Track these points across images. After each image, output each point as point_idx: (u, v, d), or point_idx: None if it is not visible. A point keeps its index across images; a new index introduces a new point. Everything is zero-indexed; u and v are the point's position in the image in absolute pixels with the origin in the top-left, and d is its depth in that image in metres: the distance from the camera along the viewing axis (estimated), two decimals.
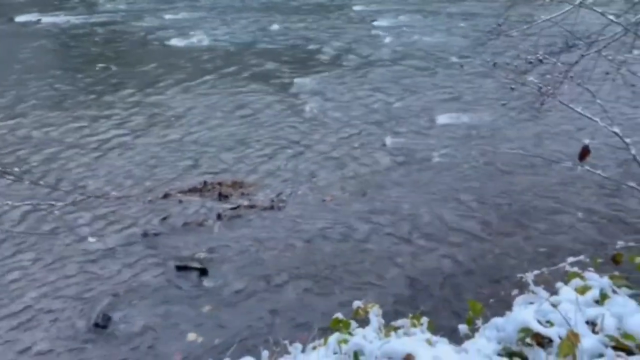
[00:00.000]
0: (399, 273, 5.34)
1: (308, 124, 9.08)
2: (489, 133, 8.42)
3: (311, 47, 13.49)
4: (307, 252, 5.72)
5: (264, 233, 6.08)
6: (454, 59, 11.84)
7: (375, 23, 15.50)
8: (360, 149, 8.14)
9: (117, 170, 7.58)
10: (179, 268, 5.48)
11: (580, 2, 4.03)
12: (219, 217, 6.36)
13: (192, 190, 6.96)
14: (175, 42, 14.47)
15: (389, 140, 8.36)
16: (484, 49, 7.53)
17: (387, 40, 13.79)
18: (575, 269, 2.21)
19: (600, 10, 3.99)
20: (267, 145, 8.29)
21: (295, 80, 11.16)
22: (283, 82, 11.15)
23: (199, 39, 14.60)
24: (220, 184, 7.09)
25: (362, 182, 7.22)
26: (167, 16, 17.27)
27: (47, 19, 17.40)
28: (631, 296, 2.13)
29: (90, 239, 6.00)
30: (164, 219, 6.37)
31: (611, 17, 3.97)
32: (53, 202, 6.03)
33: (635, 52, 3.96)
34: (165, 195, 6.86)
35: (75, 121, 9.43)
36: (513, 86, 6.61)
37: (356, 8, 17.30)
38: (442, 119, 9.08)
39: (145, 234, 6.07)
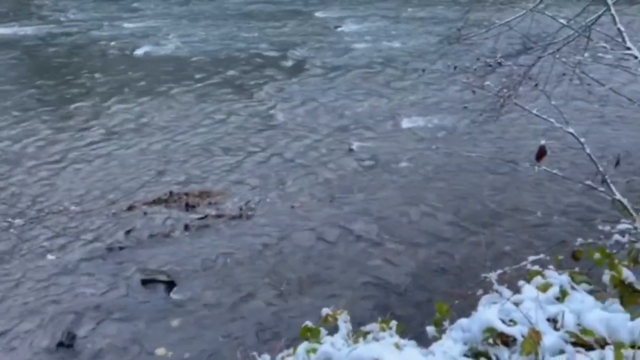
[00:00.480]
0: (369, 277, 5.36)
1: (275, 130, 9.06)
2: (452, 135, 8.57)
3: (277, 53, 13.49)
4: (277, 260, 5.68)
5: (232, 242, 6.02)
6: (417, 64, 12.01)
7: (340, 29, 15.61)
8: (328, 154, 8.16)
9: (79, 184, 7.38)
10: (146, 282, 5.36)
11: (533, 7, 4.15)
12: (186, 227, 6.26)
13: (158, 201, 6.83)
14: (138, 51, 14.25)
15: (355, 145, 8.41)
16: (445, 53, 7.67)
17: (352, 46, 13.91)
18: (537, 267, 2.26)
19: (551, 15, 4.12)
20: (234, 153, 8.22)
21: (262, 87, 11.13)
22: (249, 89, 11.10)
23: (163, 47, 14.41)
24: (186, 194, 6.98)
25: (330, 187, 7.23)
26: (130, 25, 16.99)
27: (2, 30, 16.88)
28: (590, 292, 2.18)
29: (51, 257, 5.81)
30: (129, 232, 6.23)
31: (562, 20, 4.10)
32: (10, 220, 5.82)
33: (588, 54, 4.10)
34: (130, 208, 6.71)
35: (33, 134, 9.15)
36: (474, 89, 6.74)
37: (320, 15, 17.40)
38: (407, 122, 9.20)
39: (109, 249, 5.92)
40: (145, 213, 6.59)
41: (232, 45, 14.27)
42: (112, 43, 15.05)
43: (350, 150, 8.27)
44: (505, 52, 5.86)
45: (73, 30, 16.85)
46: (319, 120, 9.45)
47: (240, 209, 6.65)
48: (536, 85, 5.01)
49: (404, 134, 8.81)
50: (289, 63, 12.80)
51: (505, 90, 5.22)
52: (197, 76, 12.01)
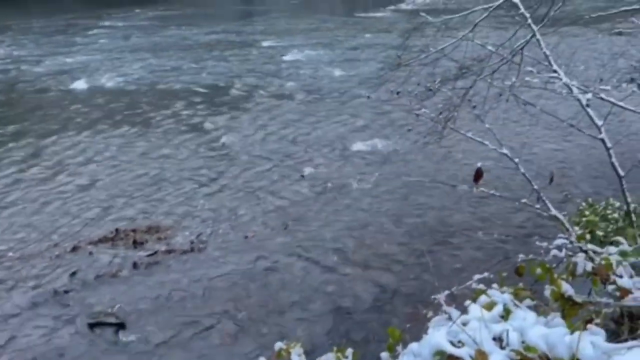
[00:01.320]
0: (326, 304, 5.33)
1: (225, 160, 8.98)
2: (398, 158, 8.79)
3: (223, 84, 13.48)
4: (232, 294, 5.57)
5: (185, 278, 5.86)
6: (361, 90, 12.31)
7: (285, 58, 15.81)
8: (279, 182, 8.15)
9: (18, 227, 7.02)
10: (93, 325, 5.12)
11: (463, 36, 4.36)
12: (134, 266, 6.05)
13: (104, 240, 6.59)
14: (79, 86, 13.88)
15: (306, 171, 8.46)
16: (387, 79, 7.89)
17: (298, 73, 14.10)
18: (482, 285, 2.32)
19: (480, 43, 4.34)
20: (183, 185, 8.08)
21: (209, 117, 11.06)
22: (196, 120, 10.99)
23: (104, 81, 14.10)
24: (134, 230, 6.77)
25: (283, 214, 7.20)
26: (70, 60, 16.57)
27: None
28: (534, 307, 2.26)
29: None
30: (74, 274, 5.95)
31: (490, 47, 4.32)
32: None
33: (519, 77, 4.33)
34: (74, 248, 6.43)
35: None
36: (417, 112, 6.94)
37: (265, 44, 17.57)
38: (355, 146, 9.36)
39: (53, 293, 5.62)
40: (90, 253, 6.33)
41: (177, 77, 14.14)
42: (52, 79, 14.60)
43: (302, 176, 8.30)
44: (444, 77, 6.09)
45: (9, 67, 16.25)
46: (268, 147, 9.46)
47: (192, 242, 6.51)
48: (474, 107, 5.22)
49: (353, 158, 8.94)
50: (236, 93, 12.81)
51: (445, 114, 5.41)
52: (141, 109, 11.80)
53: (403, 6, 20.55)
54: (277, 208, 7.37)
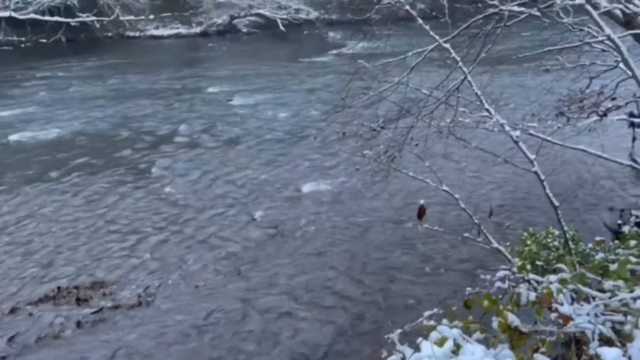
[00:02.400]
0: (283, 353, 5.22)
1: (171, 208, 8.79)
2: (347, 197, 8.91)
3: (168, 130, 13.32)
4: (183, 348, 5.36)
5: (132, 334, 5.60)
6: (308, 131, 12.49)
7: (231, 102, 15.88)
8: (230, 227, 8.05)
9: None
10: None
11: (399, 80, 4.57)
12: (78, 325, 5.74)
13: (45, 299, 6.23)
14: (16, 138, 13.33)
15: (257, 214, 8.41)
16: (333, 120, 8.09)
17: (244, 117, 14.17)
18: (433, 321, 2.35)
19: (417, 86, 4.57)
20: (128, 236, 7.82)
21: (154, 165, 10.85)
22: (141, 169, 10.76)
23: (43, 133, 13.62)
24: (77, 287, 6.45)
25: (235, 260, 7.09)
26: (5, 113, 15.95)
27: None
28: (484, 339, 2.31)
29: None
30: (13, 337, 5.57)
31: (425, 90, 4.55)
32: None
33: (455, 116, 4.57)
34: (13, 310, 6.04)
35: None
36: (362, 152, 7.11)
37: (211, 90, 17.60)
38: (305, 187, 9.43)
39: None
40: (30, 314, 5.96)
41: (119, 126, 13.85)
42: None
43: (253, 220, 8.24)
44: (386, 118, 6.31)
45: None
46: (217, 192, 9.36)
47: (139, 296, 6.26)
48: (416, 145, 5.41)
49: (304, 199, 8.98)
50: (182, 139, 12.68)
51: (389, 153, 5.58)
52: (83, 159, 11.43)
53: (344, 51, 21.26)
54: (228, 254, 7.25)
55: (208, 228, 8.03)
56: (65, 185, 10.05)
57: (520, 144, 3.40)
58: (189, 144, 12.22)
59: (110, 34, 26.38)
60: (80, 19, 23.36)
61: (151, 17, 25.11)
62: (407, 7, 4.56)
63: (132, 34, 27.20)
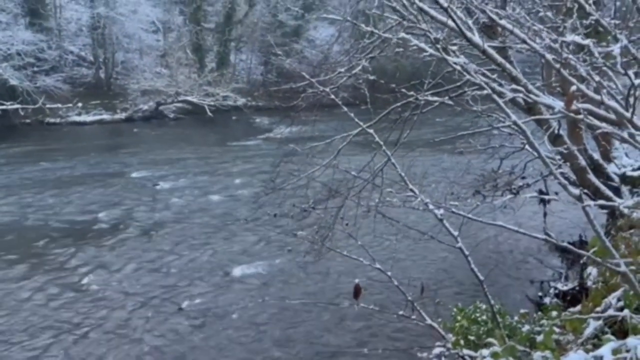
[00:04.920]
0: None
1: (90, 302, 8.17)
2: (280, 280, 8.75)
3: (87, 218, 12.65)
4: None
5: None
6: (238, 214, 12.37)
7: (158, 187, 15.51)
8: (154, 319, 7.56)
9: None
10: None
11: (326, 163, 4.75)
12: None
13: None
14: None
15: (184, 303, 8.01)
16: (264, 202, 8.12)
17: (172, 202, 13.84)
18: None
19: (343, 169, 4.76)
20: (41, 335, 7.11)
21: (72, 256, 10.16)
22: (58, 261, 10.01)
23: None
24: None
25: (160, 354, 6.61)
26: None
27: None
28: None
29: None
30: None
31: (353, 172, 4.74)
32: None
33: (382, 196, 4.77)
34: None
35: None
36: (294, 233, 7.14)
37: (135, 175, 17.17)
38: (236, 271, 9.17)
39: None
40: None
41: (36, 215, 13.00)
42: None
43: (180, 309, 7.83)
44: (316, 199, 6.44)
45: None
46: (141, 282, 8.86)
47: None
48: (346, 225, 5.51)
49: (234, 284, 8.70)
50: (104, 226, 12.08)
51: (321, 232, 5.63)
52: None
53: (272, 135, 21.76)
54: (152, 349, 6.77)
55: (130, 321, 7.50)
56: None
57: (444, 221, 3.56)
58: (110, 232, 11.64)
59: (28, 120, 25.49)
60: (2, 107, 22.43)
61: (79, 104, 24.66)
62: (332, 95, 4.82)
63: (52, 120, 26.42)
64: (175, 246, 10.54)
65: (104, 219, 12.51)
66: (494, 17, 3.74)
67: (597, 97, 3.24)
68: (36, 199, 14.35)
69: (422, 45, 4.05)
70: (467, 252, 3.52)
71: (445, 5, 3.43)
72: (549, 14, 4.30)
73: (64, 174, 17.32)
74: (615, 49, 2.86)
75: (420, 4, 4.05)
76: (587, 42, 3.17)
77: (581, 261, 7.08)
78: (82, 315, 7.69)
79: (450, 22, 3.79)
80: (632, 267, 4.21)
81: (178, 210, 13.07)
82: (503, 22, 3.78)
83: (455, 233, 3.56)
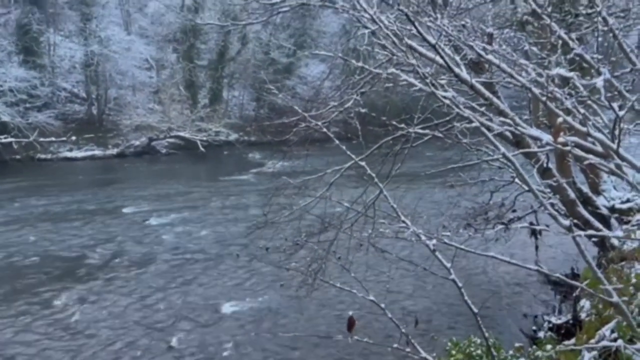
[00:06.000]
0: None
1: (78, 340, 7.98)
2: (273, 314, 8.62)
3: (77, 254, 12.48)
4: None
5: None
6: (230, 249, 12.27)
7: (148, 222, 15.39)
8: (144, 357, 7.39)
9: None
10: None
11: (320, 195, 4.78)
12: None
13: None
14: None
15: (174, 341, 7.84)
16: (255, 236, 8.08)
17: (162, 238, 13.71)
18: None
19: (337, 200, 4.78)
20: None
21: (61, 292, 9.97)
22: (47, 298, 9.81)
23: None
24: None
25: None
26: None
27: None
28: None
29: None
30: None
31: (346, 204, 4.76)
32: None
33: (374, 228, 4.78)
34: None
35: None
36: (287, 267, 7.08)
37: (127, 211, 17.04)
38: (227, 307, 9.03)
39: None
40: None
41: (27, 252, 12.78)
42: None
43: (170, 347, 7.66)
44: (309, 232, 6.42)
45: None
46: (131, 319, 8.69)
47: None
48: (339, 258, 5.49)
49: (225, 320, 8.56)
50: (93, 262, 11.91)
51: (314, 266, 5.60)
52: None
53: (264, 170, 21.80)
54: None
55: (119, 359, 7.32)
56: None
57: (437, 253, 3.57)
58: (99, 268, 11.47)
59: (19, 156, 25.41)
60: None
61: (73, 138, 24.66)
62: (324, 129, 4.89)
63: (43, 156, 26.36)
64: (165, 282, 10.39)
65: (93, 255, 12.35)
66: (481, 52, 3.86)
67: (584, 129, 3.32)
68: (25, 235, 14.16)
69: (412, 80, 4.16)
70: (460, 284, 3.51)
71: (434, 42, 3.54)
72: (534, 49, 4.45)
73: (53, 209, 17.17)
74: (599, 81, 2.96)
75: (409, 42, 4.17)
76: (571, 74, 3.27)
77: (574, 294, 7.08)
78: (72, 353, 7.52)
79: (438, 59, 3.90)
80: (625, 298, 4.22)
81: (168, 246, 12.94)
82: (490, 57, 3.90)
83: (448, 265, 3.56)
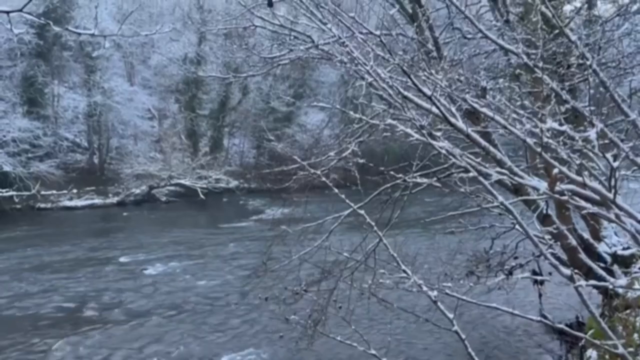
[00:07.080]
0: None
1: None
2: None
3: (72, 306, 12.24)
4: None
5: None
6: (228, 298, 12.08)
7: (146, 272, 15.20)
8: None
9: None
10: None
11: (318, 244, 4.76)
12: None
13: None
14: None
15: None
16: (254, 285, 7.97)
17: (160, 287, 13.52)
18: None
19: (337, 249, 4.76)
20: None
21: (55, 345, 9.74)
22: (41, 350, 9.58)
23: None
24: None
25: None
26: None
27: None
28: None
29: None
30: None
31: (346, 253, 4.74)
32: None
33: (374, 277, 4.73)
34: None
35: None
36: (286, 317, 6.96)
37: (124, 260, 16.88)
38: None
39: None
40: None
41: (20, 303, 12.57)
42: None
43: None
44: (308, 281, 6.35)
45: None
46: None
47: None
48: (339, 307, 5.41)
49: None
50: (89, 314, 11.68)
51: (314, 316, 5.50)
52: None
53: (264, 217, 21.77)
54: None
55: None
56: None
57: (439, 303, 3.52)
58: (96, 320, 11.25)
59: (19, 205, 25.41)
60: None
61: (74, 191, 24.76)
62: (323, 177, 4.93)
63: (43, 205, 26.36)
64: (162, 333, 10.17)
65: (90, 306, 12.13)
66: (475, 105, 3.95)
67: (580, 178, 3.36)
68: (23, 285, 13.97)
69: (409, 130, 4.23)
70: (463, 336, 3.44)
71: (429, 93, 3.63)
72: (527, 102, 4.54)
73: (52, 259, 17.01)
74: (592, 133, 3.01)
75: (405, 93, 4.27)
76: (564, 128, 3.33)
77: (580, 344, 6.91)
78: None
79: (434, 109, 3.98)
80: (631, 349, 4.13)
81: (166, 296, 12.74)
82: (484, 109, 3.99)
83: (451, 315, 3.50)
